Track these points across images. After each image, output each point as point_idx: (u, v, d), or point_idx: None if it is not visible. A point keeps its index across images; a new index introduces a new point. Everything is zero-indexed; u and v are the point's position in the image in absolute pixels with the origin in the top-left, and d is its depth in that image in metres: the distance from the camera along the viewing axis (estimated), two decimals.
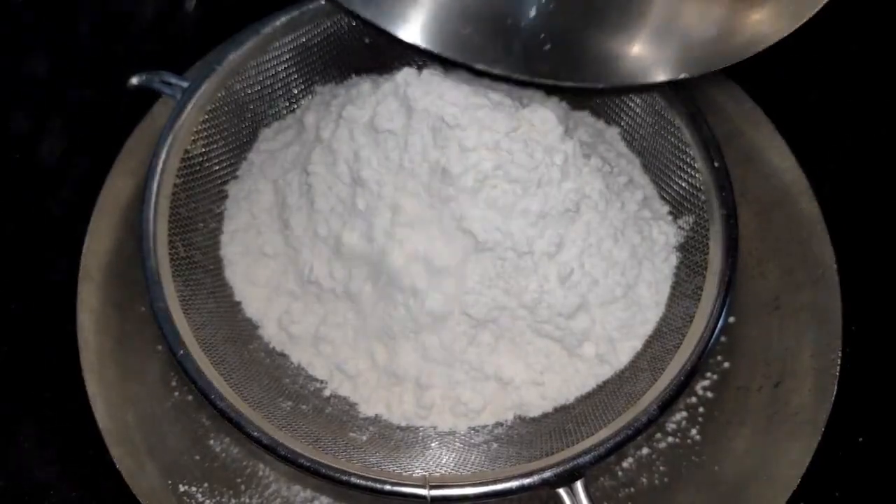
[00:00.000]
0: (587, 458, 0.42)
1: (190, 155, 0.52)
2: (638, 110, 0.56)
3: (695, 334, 0.47)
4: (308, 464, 0.43)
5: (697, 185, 0.52)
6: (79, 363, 0.50)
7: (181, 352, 0.45)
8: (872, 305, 0.56)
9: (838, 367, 0.50)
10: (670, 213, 0.55)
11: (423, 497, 0.42)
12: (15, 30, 0.67)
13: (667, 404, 0.44)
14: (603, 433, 0.44)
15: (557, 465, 0.42)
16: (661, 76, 0.51)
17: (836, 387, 0.49)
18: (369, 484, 0.42)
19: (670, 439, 0.53)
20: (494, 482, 0.42)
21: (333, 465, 0.43)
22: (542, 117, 0.49)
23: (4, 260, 0.59)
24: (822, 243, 0.54)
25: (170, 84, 0.53)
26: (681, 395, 0.45)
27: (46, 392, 0.54)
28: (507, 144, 0.48)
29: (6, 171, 0.62)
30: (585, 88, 0.52)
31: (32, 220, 0.60)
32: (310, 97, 0.59)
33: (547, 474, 0.42)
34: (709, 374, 0.55)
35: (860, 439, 0.53)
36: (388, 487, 0.42)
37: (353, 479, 0.42)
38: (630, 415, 0.44)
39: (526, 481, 0.42)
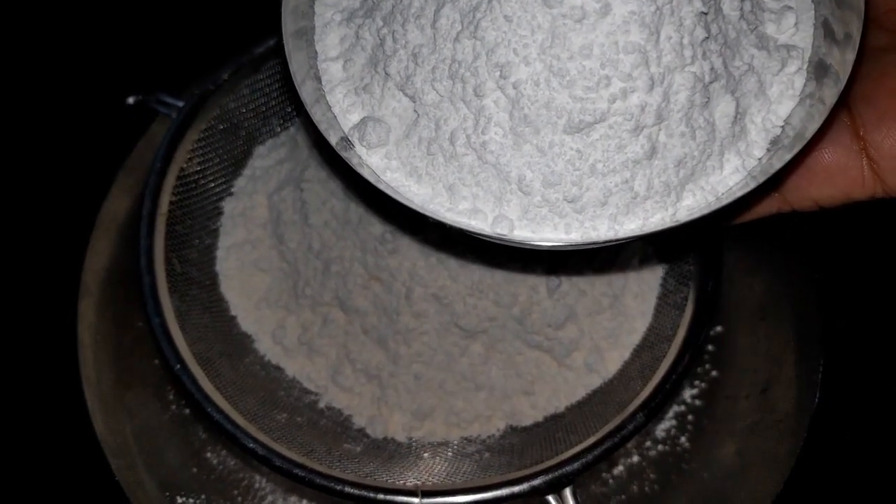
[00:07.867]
0: (574, 465, 0.43)
1: (185, 173, 0.53)
2: None
3: (679, 343, 0.48)
4: (302, 474, 0.44)
5: None
6: (79, 377, 0.51)
7: (177, 366, 0.46)
8: (853, 314, 0.58)
9: (820, 375, 0.51)
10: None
11: None
12: (16, 48, 0.69)
13: (653, 412, 0.45)
14: (590, 441, 0.45)
15: (546, 471, 0.43)
16: None
17: (818, 393, 0.51)
18: (362, 493, 0.43)
19: (660, 447, 0.54)
20: (485, 489, 0.43)
21: (328, 473, 0.44)
22: None
23: (6, 277, 0.60)
24: (806, 255, 0.55)
25: (166, 104, 0.54)
26: (667, 403, 0.46)
27: (47, 405, 0.55)
28: None
29: (6, 191, 0.64)
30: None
31: (33, 236, 0.61)
32: (303, 115, 0.60)
33: (536, 481, 0.43)
34: (697, 383, 0.56)
35: (839, 447, 0.54)
36: (380, 496, 0.43)
37: (347, 489, 0.43)
38: (616, 422, 0.45)
39: (516, 489, 0.43)
